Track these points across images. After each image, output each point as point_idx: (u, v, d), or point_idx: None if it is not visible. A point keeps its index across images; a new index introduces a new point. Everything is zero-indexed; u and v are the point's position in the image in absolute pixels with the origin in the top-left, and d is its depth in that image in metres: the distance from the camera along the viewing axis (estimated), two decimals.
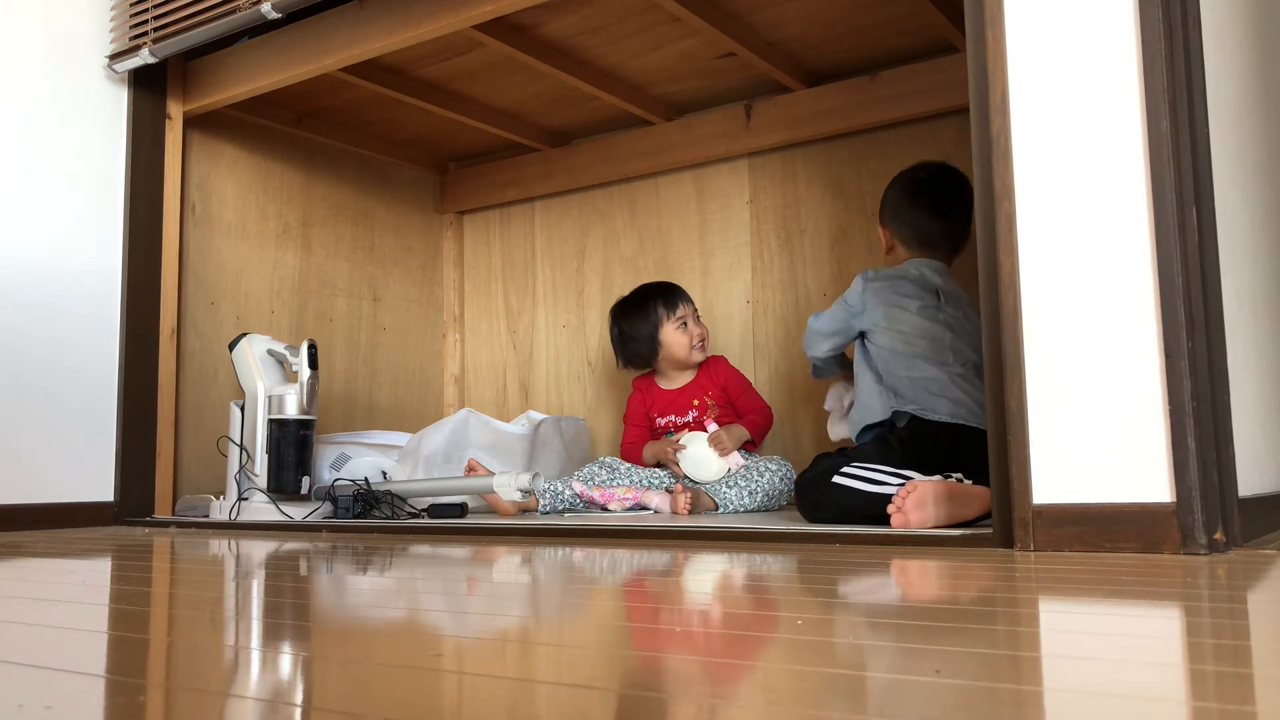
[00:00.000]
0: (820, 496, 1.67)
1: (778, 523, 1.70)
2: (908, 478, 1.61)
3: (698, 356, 2.41)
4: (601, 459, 2.38)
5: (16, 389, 2.23)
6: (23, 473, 2.22)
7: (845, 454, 1.73)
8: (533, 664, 0.69)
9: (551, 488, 2.19)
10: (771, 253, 2.67)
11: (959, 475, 1.62)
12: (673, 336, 2.40)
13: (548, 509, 2.18)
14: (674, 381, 2.46)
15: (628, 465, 2.35)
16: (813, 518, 1.70)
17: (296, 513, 2.15)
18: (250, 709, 0.57)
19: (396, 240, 3.10)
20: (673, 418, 2.42)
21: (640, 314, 2.43)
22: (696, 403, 2.41)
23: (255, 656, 0.74)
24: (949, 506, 1.52)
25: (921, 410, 1.75)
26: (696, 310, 2.47)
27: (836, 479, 1.65)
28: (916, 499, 1.50)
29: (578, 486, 2.19)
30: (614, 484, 2.27)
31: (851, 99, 2.50)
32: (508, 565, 1.34)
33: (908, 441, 1.72)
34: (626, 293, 2.59)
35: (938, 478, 1.60)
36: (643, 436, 2.45)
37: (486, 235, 3.22)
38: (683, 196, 2.83)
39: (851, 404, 1.92)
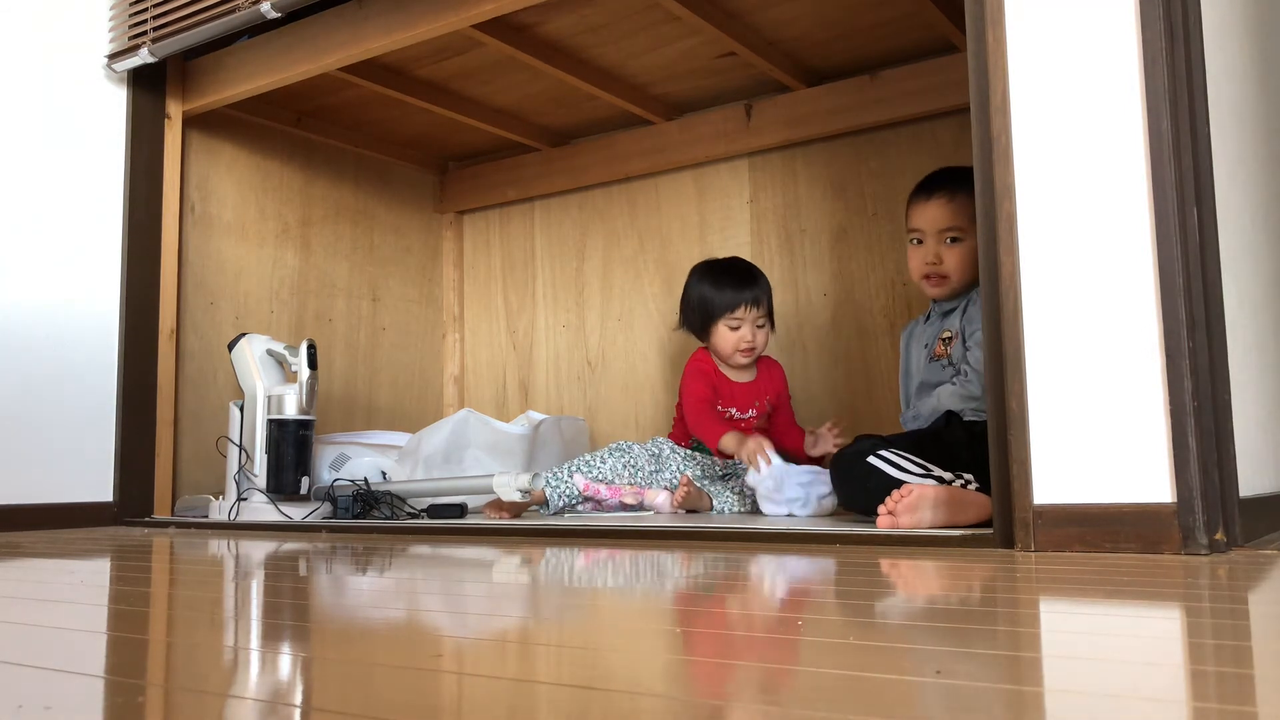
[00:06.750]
0: (851, 473, 1.69)
1: (776, 524, 1.70)
2: (938, 477, 1.61)
3: (739, 360, 2.27)
4: (613, 445, 2.24)
5: (16, 389, 2.23)
6: (23, 473, 2.22)
7: (886, 439, 1.73)
8: (532, 664, 0.69)
9: (556, 480, 2.11)
10: (771, 253, 2.67)
11: (968, 478, 1.61)
12: (721, 333, 2.26)
13: (554, 498, 2.10)
14: (736, 374, 2.31)
15: (638, 458, 2.22)
16: (840, 493, 1.75)
17: (296, 513, 2.15)
18: (250, 709, 0.57)
19: (396, 240, 3.10)
20: (734, 411, 2.29)
21: (707, 295, 2.28)
22: (757, 404, 2.31)
23: (255, 657, 0.73)
24: (945, 511, 1.51)
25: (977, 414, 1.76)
26: (767, 313, 2.26)
27: (871, 459, 1.66)
28: (910, 503, 1.50)
29: (580, 481, 2.12)
30: (624, 477, 2.17)
31: (852, 99, 2.50)
32: (507, 565, 1.34)
33: (961, 441, 1.72)
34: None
35: (949, 476, 1.60)
36: (713, 399, 2.28)
37: (486, 235, 3.22)
38: (683, 196, 2.83)
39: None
